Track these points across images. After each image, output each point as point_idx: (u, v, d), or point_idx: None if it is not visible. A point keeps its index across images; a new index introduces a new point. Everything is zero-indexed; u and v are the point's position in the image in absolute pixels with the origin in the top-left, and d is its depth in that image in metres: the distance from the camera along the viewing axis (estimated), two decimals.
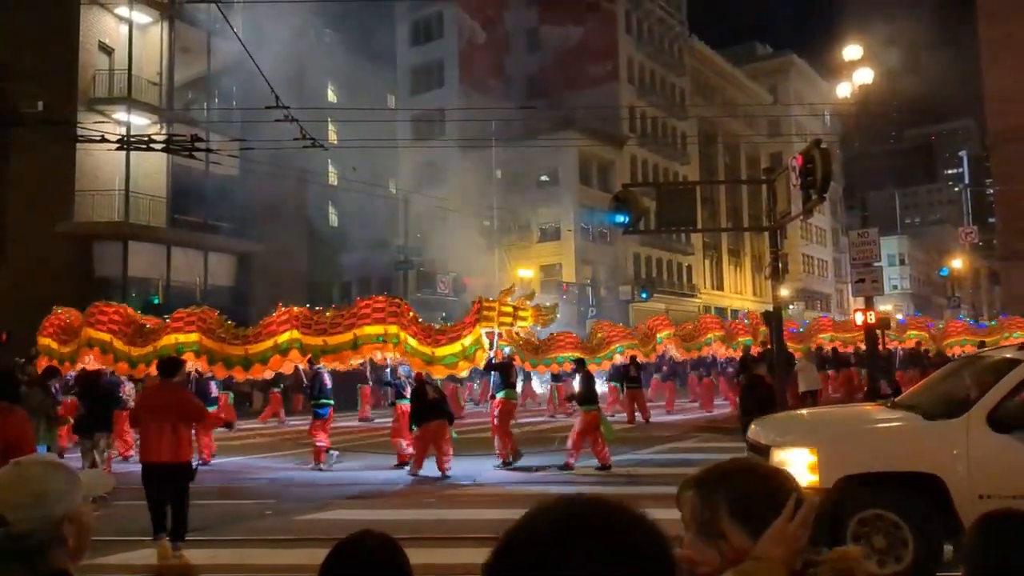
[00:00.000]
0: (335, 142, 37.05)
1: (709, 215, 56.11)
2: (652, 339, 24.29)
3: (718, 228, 60.88)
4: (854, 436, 7.41)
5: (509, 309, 14.75)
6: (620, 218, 16.83)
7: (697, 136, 59.49)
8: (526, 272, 45.52)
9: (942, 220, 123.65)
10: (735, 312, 57.54)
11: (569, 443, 14.07)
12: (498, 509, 10.22)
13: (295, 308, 14.98)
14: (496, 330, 14.51)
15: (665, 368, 26.72)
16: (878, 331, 21.58)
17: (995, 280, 61.06)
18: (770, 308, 18.68)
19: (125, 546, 8.57)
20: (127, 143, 19.77)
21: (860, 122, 21.84)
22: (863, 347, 23.03)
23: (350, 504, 11.10)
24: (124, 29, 32.15)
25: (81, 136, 21.31)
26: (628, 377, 22.37)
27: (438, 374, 14.45)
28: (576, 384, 15.38)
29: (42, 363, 15.83)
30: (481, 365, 14.88)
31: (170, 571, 8.11)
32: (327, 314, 14.76)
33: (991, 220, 66.16)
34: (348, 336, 13.92)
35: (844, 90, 21.06)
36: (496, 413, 14.98)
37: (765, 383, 13.02)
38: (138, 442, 10.21)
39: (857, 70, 20.19)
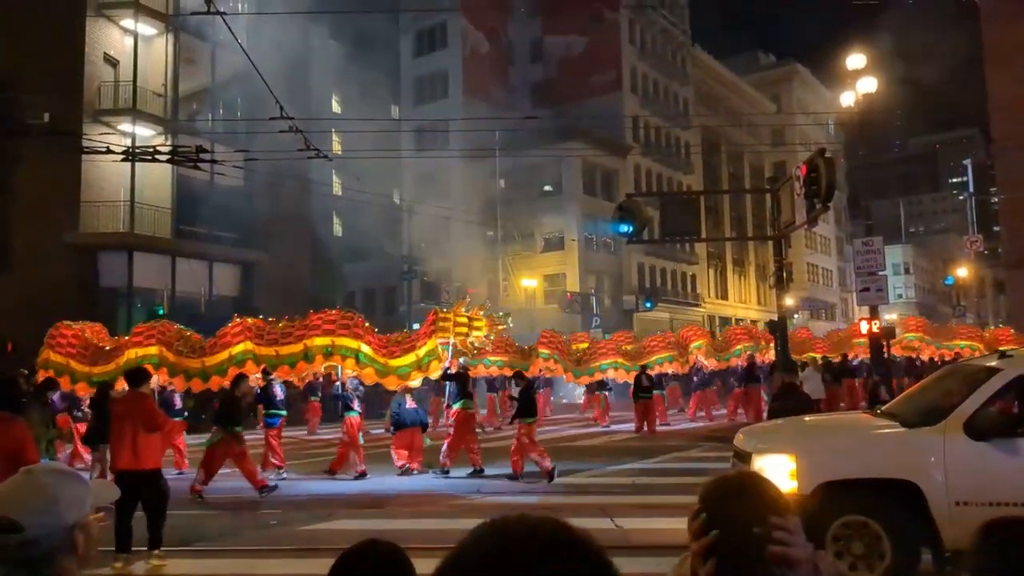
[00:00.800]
0: (339, 153, 37.17)
1: (713, 224, 56.13)
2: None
3: (722, 237, 60.89)
4: (833, 443, 7.47)
5: (464, 320, 14.97)
6: (624, 228, 16.86)
7: (701, 145, 59.55)
8: (530, 282, 45.57)
9: (947, 229, 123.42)
10: (739, 321, 57.54)
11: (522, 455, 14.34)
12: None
13: (249, 319, 15.34)
14: (452, 340, 14.71)
15: (696, 378, 26.47)
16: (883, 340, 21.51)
17: (1001, 289, 60.98)
18: (775, 318, 18.67)
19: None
20: (132, 154, 19.81)
21: (864, 131, 21.87)
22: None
23: (355, 514, 11.08)
24: (129, 41, 32.31)
25: (86, 147, 21.42)
26: (640, 387, 22.06)
27: (391, 385, 14.86)
28: (517, 396, 15.46)
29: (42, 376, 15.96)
30: (434, 376, 15.20)
31: None
32: (279, 325, 14.99)
33: (996, 228, 65.98)
34: (299, 347, 14.25)
35: (848, 99, 21.09)
36: (452, 423, 15.27)
37: (799, 391, 13.01)
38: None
39: (861, 79, 20.22)
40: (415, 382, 15.18)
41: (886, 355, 22.12)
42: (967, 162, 76.15)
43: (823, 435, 7.94)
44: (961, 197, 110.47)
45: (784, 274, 17.74)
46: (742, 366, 24.86)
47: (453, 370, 15.44)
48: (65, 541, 1.80)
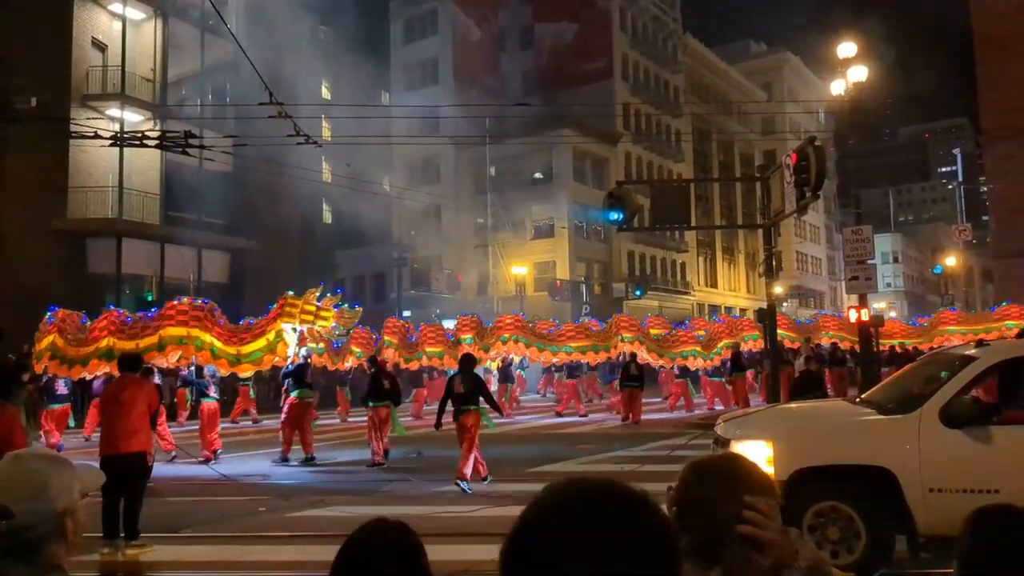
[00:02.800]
0: (329, 139, 37.04)
1: (703, 212, 56.18)
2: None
3: (712, 226, 60.97)
4: (809, 430, 7.55)
5: (312, 308, 15.39)
6: (614, 215, 16.86)
7: (691, 133, 59.52)
8: (520, 269, 45.49)
9: (936, 218, 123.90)
10: (728, 309, 57.70)
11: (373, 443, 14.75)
12: (490, 507, 10.25)
13: (115, 313, 15.57)
14: (298, 327, 15.09)
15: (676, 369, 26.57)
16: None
17: (989, 278, 61.30)
18: (764, 305, 18.74)
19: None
20: (120, 139, 19.70)
21: (854, 120, 21.87)
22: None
23: (344, 501, 11.10)
24: (118, 25, 32.08)
25: (74, 132, 21.30)
26: (628, 376, 21.96)
27: (244, 372, 15.48)
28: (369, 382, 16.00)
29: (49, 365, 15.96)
30: (283, 359, 15.41)
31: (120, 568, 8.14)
32: (137, 318, 15.36)
33: (985, 218, 66.29)
34: (155, 338, 14.49)
35: (838, 88, 21.09)
36: (286, 410, 15.66)
37: (817, 378, 13.10)
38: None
39: (851, 67, 20.21)
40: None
41: (875, 344, 22.19)
42: (956, 151, 76.46)
43: (800, 422, 8.01)
44: (950, 186, 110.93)
45: (774, 262, 17.80)
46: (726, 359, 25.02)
47: (294, 362, 15.76)
48: (55, 527, 1.79)
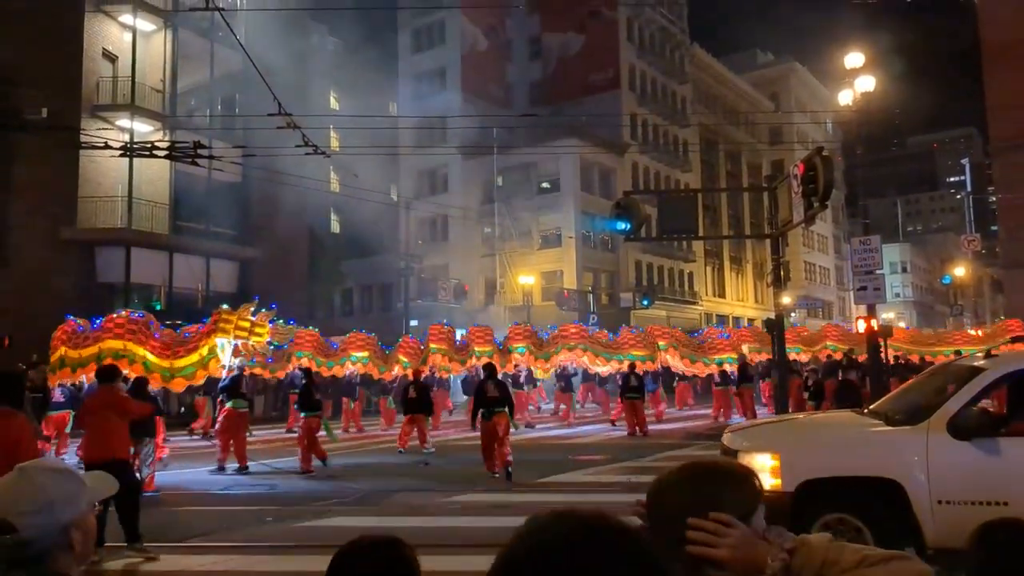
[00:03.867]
0: (337, 149, 37.15)
1: (711, 222, 56.11)
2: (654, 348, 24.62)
3: (719, 235, 60.87)
4: (816, 441, 7.51)
5: (247, 323, 15.85)
6: (622, 225, 16.89)
7: (698, 143, 59.54)
8: (527, 279, 45.53)
9: (944, 228, 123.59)
10: (736, 320, 57.62)
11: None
12: (496, 518, 10.24)
13: (72, 323, 16.01)
14: (232, 341, 15.54)
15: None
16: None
17: (998, 288, 61.03)
18: (772, 316, 18.70)
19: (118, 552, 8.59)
20: (130, 150, 19.79)
21: (862, 130, 21.83)
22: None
23: (349, 511, 11.11)
24: (128, 36, 32.28)
25: (85, 143, 21.41)
26: (628, 387, 21.62)
27: (177, 387, 15.89)
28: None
29: (63, 375, 16.16)
30: (216, 373, 15.95)
31: None
32: (84, 330, 15.75)
33: (994, 228, 66.10)
34: (95, 349, 14.88)
35: (846, 97, 21.07)
36: (221, 420, 15.99)
37: (856, 387, 13.11)
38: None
39: (859, 77, 20.20)
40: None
41: (883, 354, 22.12)
42: (965, 162, 76.31)
43: (806, 433, 7.98)
44: (959, 196, 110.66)
45: (781, 272, 17.77)
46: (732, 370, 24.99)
47: (229, 375, 16.03)
48: (61, 539, 1.79)
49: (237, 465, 15.28)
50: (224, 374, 15.90)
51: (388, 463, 16.42)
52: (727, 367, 24.23)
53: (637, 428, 21.16)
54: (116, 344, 14.68)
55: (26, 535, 1.72)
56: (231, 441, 15.56)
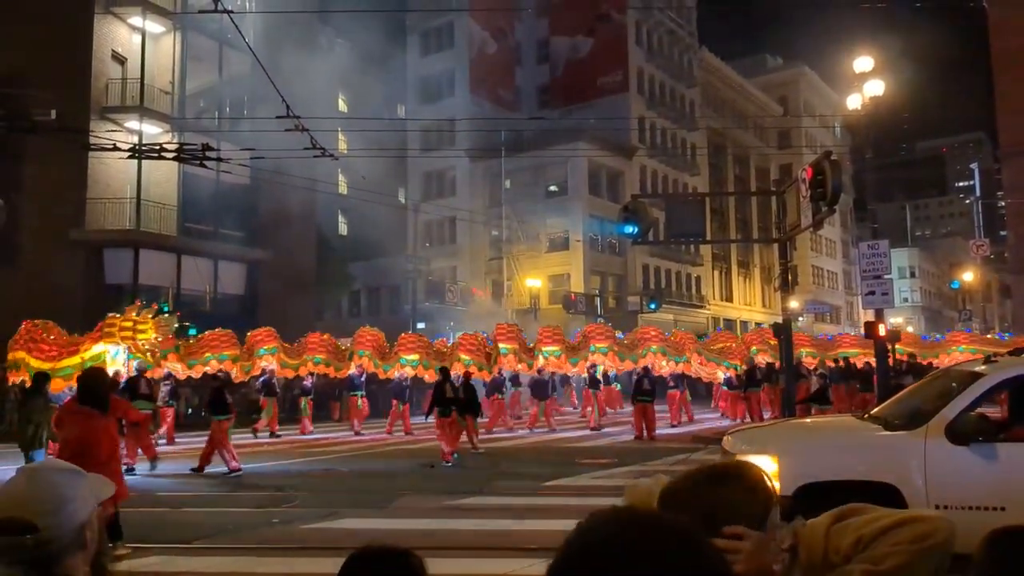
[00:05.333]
0: (345, 151, 37.20)
1: (718, 226, 56.06)
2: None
3: (727, 239, 60.81)
4: (815, 445, 7.53)
5: (129, 324, 16.27)
6: (629, 229, 16.88)
7: (707, 147, 59.48)
8: (534, 282, 45.51)
9: (953, 233, 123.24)
10: (744, 324, 57.50)
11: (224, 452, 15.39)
12: (503, 520, 10.22)
13: (37, 323, 16.81)
14: (119, 344, 16.12)
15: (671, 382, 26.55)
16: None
17: (1007, 293, 60.82)
18: (779, 320, 18.66)
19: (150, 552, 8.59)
20: (139, 152, 19.83)
21: (871, 134, 21.77)
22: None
23: (357, 513, 11.09)
24: (137, 39, 32.39)
25: (93, 144, 21.44)
26: (640, 390, 21.36)
27: (56, 388, 15.84)
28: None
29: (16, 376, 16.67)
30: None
31: None
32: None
33: (1003, 233, 65.90)
34: (11, 357, 15.94)
35: (855, 102, 21.00)
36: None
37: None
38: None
39: (868, 82, 20.14)
40: None
41: (891, 359, 22.06)
42: (974, 166, 76.13)
43: (805, 437, 8.00)
44: (968, 201, 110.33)
45: (789, 276, 17.74)
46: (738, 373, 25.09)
47: (122, 379, 16.36)
48: (75, 539, 1.80)
49: (149, 465, 15.58)
50: (124, 378, 16.42)
51: (399, 467, 16.41)
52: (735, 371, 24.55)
53: (645, 431, 21.00)
54: (20, 355, 15.89)
55: (47, 535, 1.73)
56: (137, 443, 15.70)
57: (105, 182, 30.57)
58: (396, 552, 1.86)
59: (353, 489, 13.33)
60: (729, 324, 57.78)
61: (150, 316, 16.97)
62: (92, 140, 23.24)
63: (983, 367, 7.18)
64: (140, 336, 16.42)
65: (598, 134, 48.62)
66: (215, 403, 15.90)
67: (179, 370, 20.36)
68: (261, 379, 23.08)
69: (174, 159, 17.65)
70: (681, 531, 1.14)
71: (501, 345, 23.42)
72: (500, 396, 24.74)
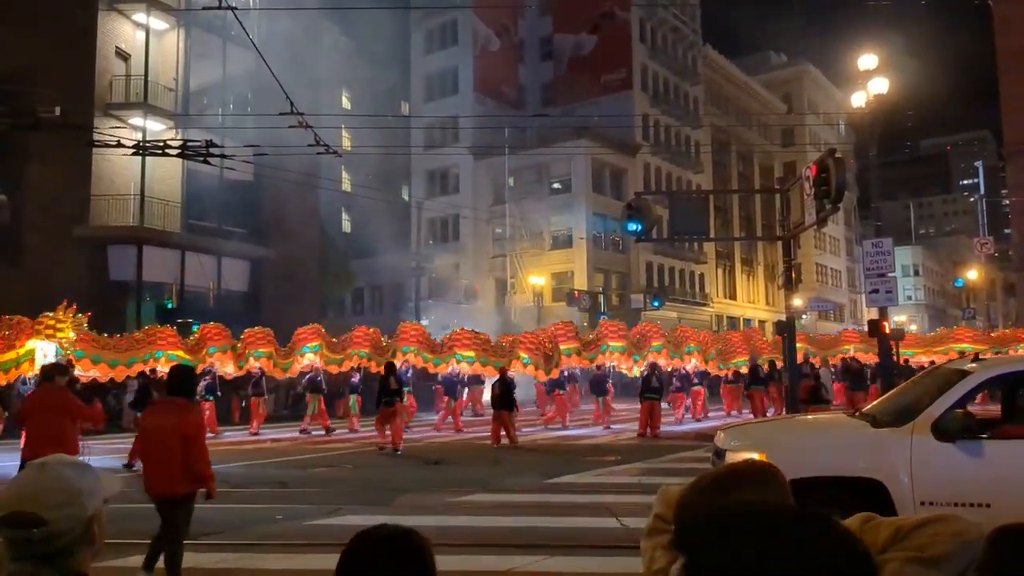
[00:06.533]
0: (349, 149, 37.22)
1: (722, 224, 56.04)
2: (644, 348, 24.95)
3: (731, 237, 60.77)
4: (802, 441, 7.62)
5: (51, 323, 17.37)
6: (633, 226, 16.88)
7: (710, 145, 59.45)
8: (538, 279, 45.50)
9: (957, 231, 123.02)
10: (747, 322, 57.46)
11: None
12: (505, 517, 10.23)
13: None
14: (45, 341, 17.12)
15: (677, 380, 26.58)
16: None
17: (1011, 291, 60.75)
18: (783, 318, 18.64)
19: (133, 549, 8.60)
20: (143, 148, 19.87)
21: (875, 132, 21.73)
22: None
23: (361, 509, 11.11)
24: (141, 35, 32.41)
25: (97, 141, 21.46)
26: (648, 388, 21.31)
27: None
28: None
29: None
30: (29, 373, 17.16)
31: None
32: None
33: (1007, 231, 65.77)
34: None
35: (859, 99, 20.97)
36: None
37: None
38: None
39: (872, 79, 20.10)
40: None
41: (894, 357, 22.04)
42: (978, 164, 75.94)
43: (793, 433, 8.07)
44: (972, 199, 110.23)
45: (793, 274, 17.73)
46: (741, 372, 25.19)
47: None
48: (84, 532, 1.81)
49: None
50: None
51: (402, 463, 16.43)
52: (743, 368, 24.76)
53: (649, 429, 20.96)
54: None
55: (56, 528, 1.74)
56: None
57: (109, 179, 30.60)
58: (400, 531, 1.87)
59: (356, 486, 13.35)
60: (732, 322, 57.78)
61: (70, 316, 18.05)
62: (96, 137, 23.23)
63: (970, 365, 7.28)
64: (59, 334, 17.48)
65: (602, 131, 48.59)
66: (140, 401, 16.67)
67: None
68: (307, 376, 23.09)
69: (178, 156, 17.67)
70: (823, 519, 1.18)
71: (563, 347, 23.53)
72: (561, 392, 24.65)
